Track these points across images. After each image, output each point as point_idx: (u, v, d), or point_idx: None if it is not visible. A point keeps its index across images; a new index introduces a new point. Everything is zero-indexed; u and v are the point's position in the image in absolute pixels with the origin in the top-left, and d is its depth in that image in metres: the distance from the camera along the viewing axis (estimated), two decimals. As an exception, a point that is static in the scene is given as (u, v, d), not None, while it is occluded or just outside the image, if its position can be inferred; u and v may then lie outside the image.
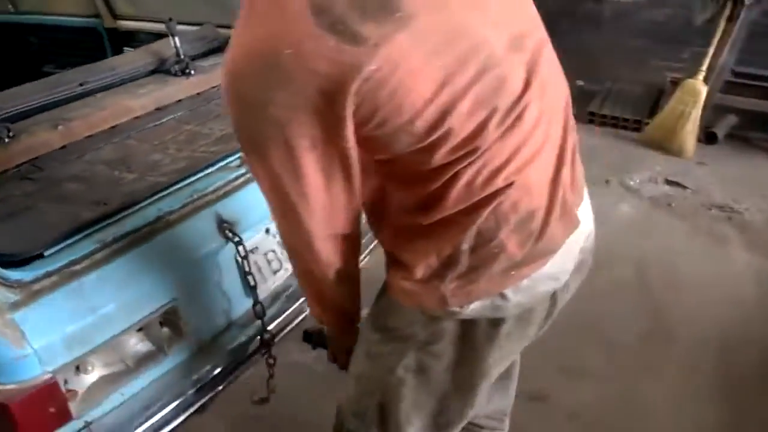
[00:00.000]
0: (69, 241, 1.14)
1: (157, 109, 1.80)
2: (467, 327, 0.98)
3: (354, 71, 0.72)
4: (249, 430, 1.96)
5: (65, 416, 1.10)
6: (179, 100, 1.86)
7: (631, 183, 3.25)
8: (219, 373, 1.38)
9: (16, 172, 1.44)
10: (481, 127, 0.82)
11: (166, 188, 1.31)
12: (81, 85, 1.77)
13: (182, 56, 1.91)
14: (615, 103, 3.94)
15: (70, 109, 1.69)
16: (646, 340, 2.25)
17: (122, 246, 1.17)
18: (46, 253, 1.11)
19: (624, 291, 2.48)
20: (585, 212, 1.06)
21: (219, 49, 2.13)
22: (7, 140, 1.45)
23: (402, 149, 0.83)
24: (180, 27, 1.91)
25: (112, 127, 1.66)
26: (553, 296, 1.03)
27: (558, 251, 0.96)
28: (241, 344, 1.44)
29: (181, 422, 1.28)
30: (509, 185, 0.87)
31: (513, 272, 0.92)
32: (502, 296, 0.94)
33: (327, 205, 0.86)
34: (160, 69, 1.95)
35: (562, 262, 0.99)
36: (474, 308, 0.94)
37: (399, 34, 0.74)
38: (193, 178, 1.36)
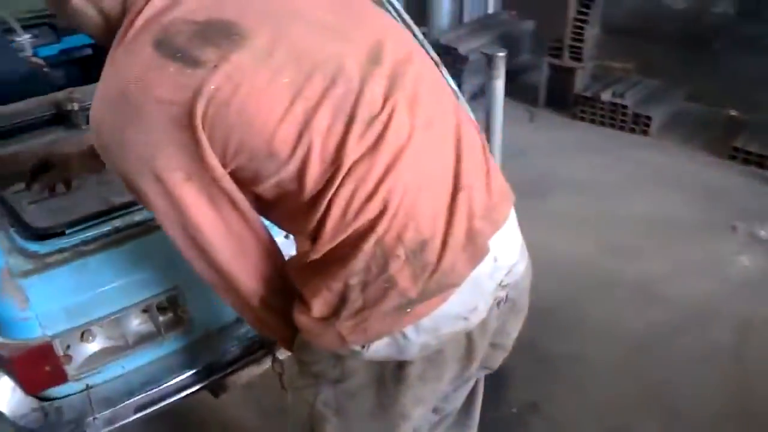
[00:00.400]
0: (88, 224, 1.29)
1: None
2: (376, 368, 0.94)
3: (196, 93, 0.75)
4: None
5: (61, 376, 1.25)
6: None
7: (762, 233, 2.82)
8: (222, 362, 1.46)
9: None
10: (342, 141, 0.80)
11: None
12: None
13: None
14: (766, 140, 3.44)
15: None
16: (720, 422, 1.95)
17: (132, 233, 1.29)
18: (67, 231, 1.27)
19: (713, 358, 2.17)
20: (507, 242, 0.96)
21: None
22: (83, 127, 1.66)
23: (273, 177, 0.82)
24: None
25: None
26: (469, 336, 0.95)
27: (462, 286, 0.89)
28: (250, 338, 1.51)
29: (179, 400, 1.39)
30: (385, 211, 0.82)
31: (408, 310, 0.86)
32: (404, 336, 0.88)
33: (227, 236, 0.87)
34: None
35: (471, 300, 0.91)
36: (377, 348, 0.90)
37: (237, 53, 0.76)
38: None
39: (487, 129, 2.08)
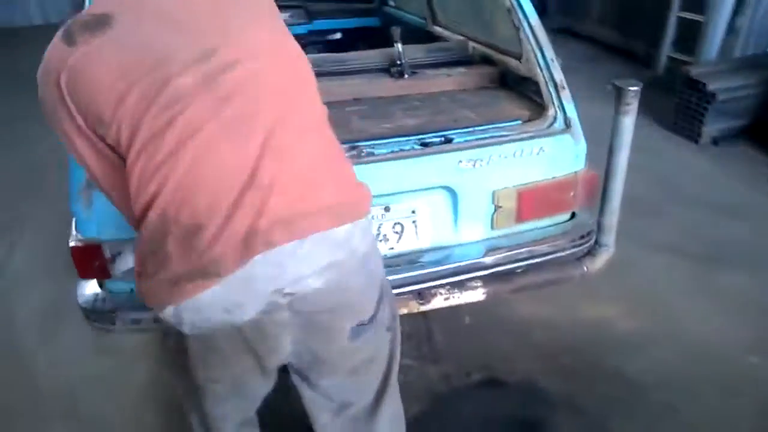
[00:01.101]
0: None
1: (355, 99, 2.10)
2: (176, 331, 1.01)
3: (63, 63, 0.91)
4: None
5: (104, 274, 1.59)
6: (379, 97, 2.11)
7: None
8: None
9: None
10: (139, 119, 0.89)
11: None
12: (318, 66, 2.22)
13: (400, 61, 2.14)
14: None
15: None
16: None
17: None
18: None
19: None
20: (308, 255, 0.94)
21: (458, 62, 2.27)
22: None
23: (110, 141, 0.94)
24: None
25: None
26: (241, 331, 0.96)
27: (230, 279, 0.90)
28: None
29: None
30: (163, 189, 0.89)
31: (176, 287, 0.91)
32: (176, 309, 0.94)
33: (104, 177, 1.00)
34: (387, 68, 2.21)
35: (238, 296, 0.92)
36: (167, 314, 0.97)
37: (99, 38, 0.91)
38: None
39: (607, 172, 1.85)
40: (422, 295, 1.81)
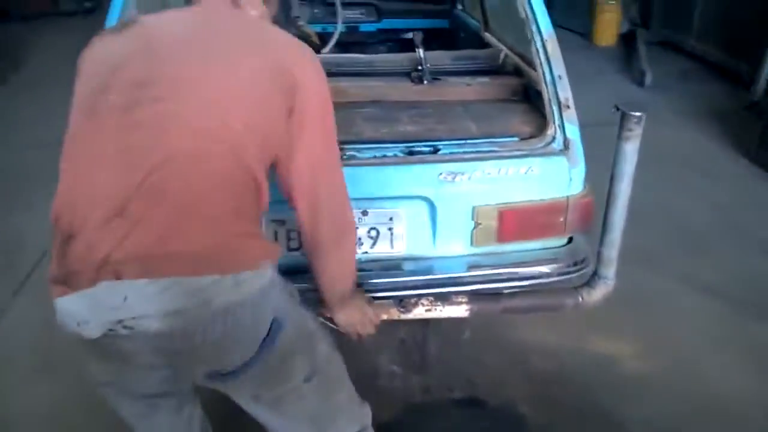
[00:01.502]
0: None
1: (372, 101, 2.11)
2: None
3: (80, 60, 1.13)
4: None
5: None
6: (395, 101, 2.11)
7: None
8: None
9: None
10: (77, 113, 1.03)
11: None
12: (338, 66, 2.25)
13: (422, 67, 2.13)
14: None
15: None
16: None
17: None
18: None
19: None
20: (155, 296, 0.94)
21: (484, 71, 2.22)
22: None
23: None
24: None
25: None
26: (94, 344, 1.00)
27: (81, 295, 0.94)
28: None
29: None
30: (60, 193, 0.98)
31: (52, 285, 0.98)
32: (55, 305, 1.00)
33: None
34: (409, 72, 2.20)
35: (85, 313, 0.96)
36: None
37: (108, 35, 1.14)
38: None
39: (607, 201, 1.73)
40: (403, 303, 1.81)
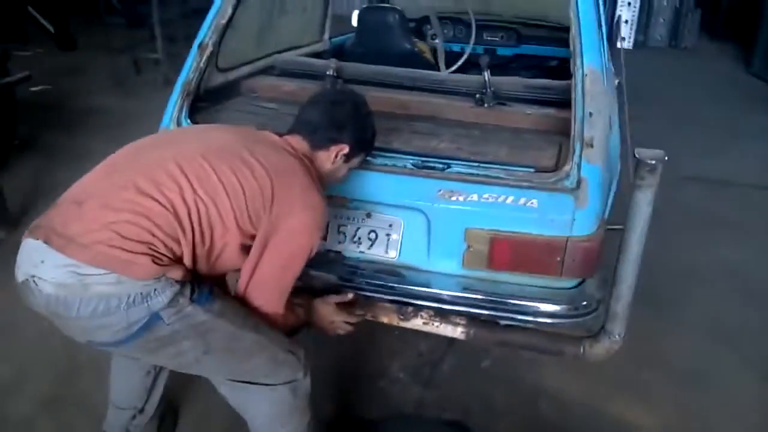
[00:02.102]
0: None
1: (431, 116, 2.19)
2: None
3: None
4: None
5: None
6: (453, 119, 2.16)
7: None
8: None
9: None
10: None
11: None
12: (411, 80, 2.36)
13: (486, 90, 2.15)
14: None
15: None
16: None
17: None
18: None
19: None
20: (54, 266, 1.22)
21: (551, 102, 2.16)
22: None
23: None
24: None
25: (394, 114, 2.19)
26: (25, 285, 1.26)
27: (26, 240, 1.27)
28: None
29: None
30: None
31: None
32: None
33: None
34: (474, 93, 2.22)
35: (22, 256, 1.28)
36: None
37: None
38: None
39: (619, 251, 1.59)
40: (402, 312, 1.88)
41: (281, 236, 1.39)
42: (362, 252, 1.82)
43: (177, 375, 1.67)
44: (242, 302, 1.45)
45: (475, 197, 1.67)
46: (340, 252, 1.85)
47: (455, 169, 1.73)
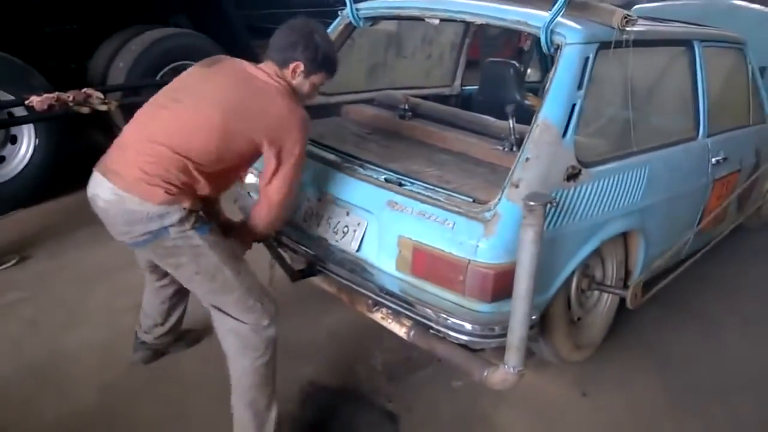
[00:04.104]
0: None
1: (462, 152, 2.48)
2: None
3: None
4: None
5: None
6: (477, 157, 2.43)
7: None
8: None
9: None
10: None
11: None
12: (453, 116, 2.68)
13: (511, 135, 2.37)
14: None
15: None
16: None
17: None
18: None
19: None
20: (107, 186, 1.77)
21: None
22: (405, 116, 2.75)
23: None
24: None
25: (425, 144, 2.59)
26: (92, 199, 1.83)
27: (96, 173, 1.82)
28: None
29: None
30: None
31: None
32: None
33: None
34: (502, 138, 2.44)
35: (92, 182, 1.83)
36: None
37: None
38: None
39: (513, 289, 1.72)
40: (368, 304, 2.26)
41: (288, 146, 1.83)
42: (337, 241, 2.23)
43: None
44: (264, 200, 1.94)
45: (410, 210, 1.97)
46: (325, 238, 2.29)
47: (409, 186, 2.05)
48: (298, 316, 2.73)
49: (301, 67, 1.90)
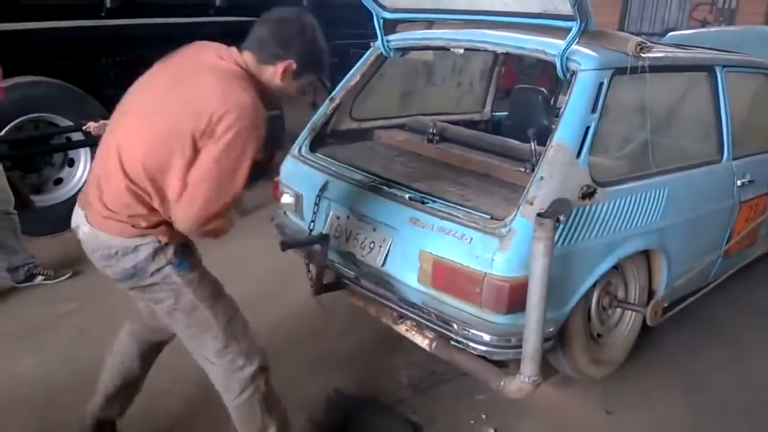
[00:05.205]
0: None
1: (486, 173, 2.59)
2: None
3: None
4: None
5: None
6: (500, 178, 2.53)
7: None
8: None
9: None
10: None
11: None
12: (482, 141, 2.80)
13: (533, 157, 2.46)
14: None
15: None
16: None
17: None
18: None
19: None
20: (84, 221, 1.65)
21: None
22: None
23: None
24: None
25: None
26: (75, 230, 1.70)
27: (77, 206, 1.71)
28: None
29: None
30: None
31: None
32: None
33: None
34: (525, 160, 2.54)
35: (76, 214, 1.71)
36: None
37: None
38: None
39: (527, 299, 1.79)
40: (394, 317, 2.37)
41: (219, 144, 1.49)
42: (364, 256, 2.36)
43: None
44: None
45: (431, 227, 2.09)
46: (353, 253, 2.41)
47: (431, 204, 2.17)
48: (332, 328, 2.86)
49: (294, 66, 1.64)
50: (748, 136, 2.98)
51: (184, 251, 1.67)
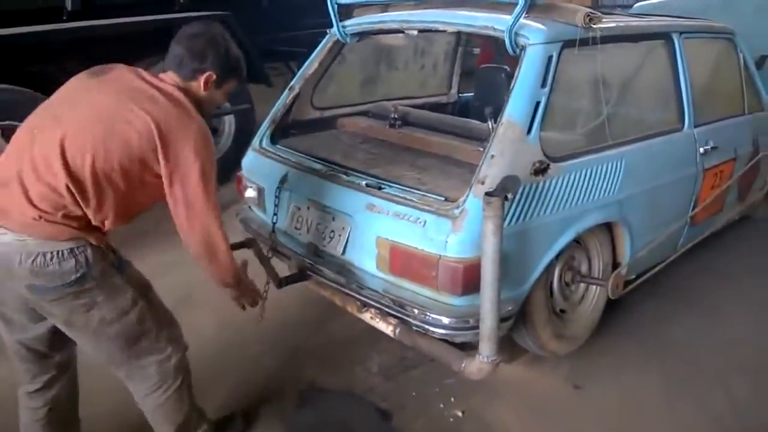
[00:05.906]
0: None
1: (447, 155, 2.56)
2: None
3: None
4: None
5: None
6: (459, 159, 2.50)
7: None
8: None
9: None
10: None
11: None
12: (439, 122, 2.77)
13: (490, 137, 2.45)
14: None
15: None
16: None
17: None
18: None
19: None
20: (2, 230, 1.53)
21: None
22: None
23: None
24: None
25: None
26: None
27: None
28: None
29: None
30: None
31: None
32: None
33: None
34: (485, 140, 2.50)
35: None
36: None
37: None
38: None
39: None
40: (358, 306, 2.35)
41: (184, 167, 1.59)
42: (324, 246, 2.34)
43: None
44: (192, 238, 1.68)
45: (386, 212, 2.07)
46: (314, 243, 2.40)
47: (387, 190, 2.15)
48: (302, 321, 2.85)
49: (214, 77, 1.72)
50: (711, 102, 2.97)
51: (114, 254, 1.73)
